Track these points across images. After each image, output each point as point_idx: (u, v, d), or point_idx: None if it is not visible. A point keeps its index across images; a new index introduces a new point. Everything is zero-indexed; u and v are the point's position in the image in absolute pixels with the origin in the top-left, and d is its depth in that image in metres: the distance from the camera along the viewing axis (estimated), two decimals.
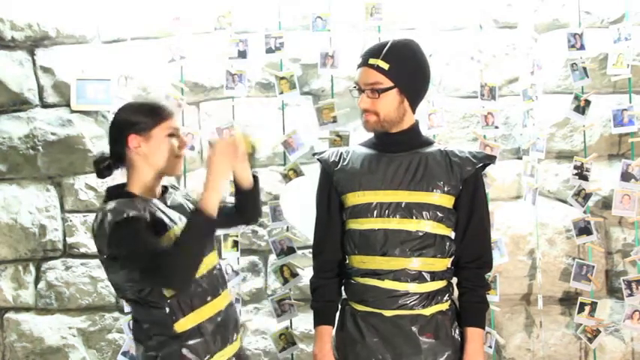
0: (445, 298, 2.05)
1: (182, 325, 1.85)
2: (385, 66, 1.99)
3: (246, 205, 2.09)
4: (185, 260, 1.73)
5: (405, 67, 2.02)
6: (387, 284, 2.00)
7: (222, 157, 1.79)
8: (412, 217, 2.00)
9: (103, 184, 3.13)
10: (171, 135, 1.93)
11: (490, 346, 2.81)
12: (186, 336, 1.85)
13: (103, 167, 1.96)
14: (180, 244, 1.73)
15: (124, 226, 1.77)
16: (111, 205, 1.83)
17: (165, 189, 2.04)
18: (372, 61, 2.02)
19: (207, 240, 1.84)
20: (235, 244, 2.90)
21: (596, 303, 2.83)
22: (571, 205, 2.89)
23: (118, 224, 1.76)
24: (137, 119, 1.90)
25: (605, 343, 2.92)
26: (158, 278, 1.74)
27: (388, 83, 2.00)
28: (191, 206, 1.98)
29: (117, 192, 1.93)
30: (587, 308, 2.82)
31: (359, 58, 2.07)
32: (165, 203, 1.97)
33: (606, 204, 2.93)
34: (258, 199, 2.14)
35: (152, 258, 1.70)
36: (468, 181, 2.05)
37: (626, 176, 2.78)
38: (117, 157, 1.95)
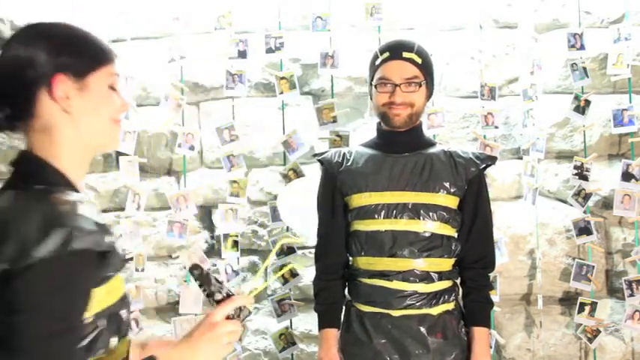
0: (452, 298, 2.05)
1: None
2: (419, 60, 2.03)
3: None
4: None
5: (430, 64, 2.09)
6: (395, 285, 2.00)
7: (220, 346, 1.22)
8: (419, 218, 2.00)
9: (104, 184, 3.13)
10: (112, 88, 1.23)
11: (490, 346, 2.81)
12: None
13: None
14: None
15: (59, 270, 1.03)
16: (63, 209, 1.08)
17: None
18: (406, 54, 2.03)
19: None
20: (235, 244, 2.90)
21: (596, 303, 2.82)
22: (571, 205, 2.89)
23: (56, 260, 1.02)
24: (79, 51, 1.19)
25: (605, 343, 2.92)
26: None
27: (422, 77, 2.03)
28: None
29: (37, 170, 1.15)
30: (587, 308, 2.82)
31: (380, 53, 2.06)
32: None
33: (606, 204, 2.92)
34: None
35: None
36: (472, 181, 2.06)
37: (626, 176, 2.78)
38: (18, 110, 1.16)
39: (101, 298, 1.13)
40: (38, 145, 1.17)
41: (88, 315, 1.10)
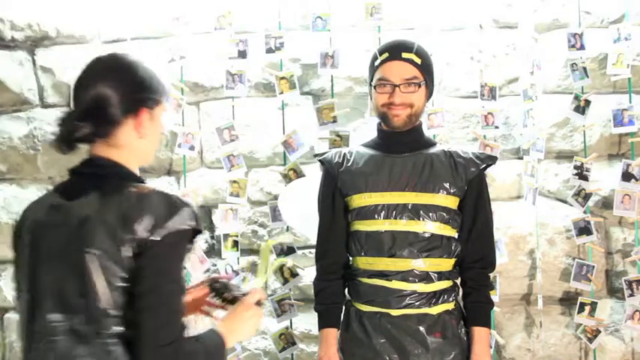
0: (451, 298, 2.06)
1: None
2: (419, 60, 2.03)
3: None
4: None
5: (430, 64, 2.09)
6: (395, 284, 2.01)
7: (255, 322, 1.54)
8: (419, 219, 2.00)
9: None
10: (163, 117, 1.54)
11: (490, 346, 2.81)
12: None
13: (76, 137, 1.40)
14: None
15: (180, 240, 1.34)
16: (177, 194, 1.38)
17: None
18: (406, 55, 2.02)
19: None
20: (235, 244, 2.90)
21: (596, 303, 2.82)
22: (571, 205, 2.89)
23: (181, 234, 1.33)
24: (154, 90, 1.46)
25: (605, 343, 2.92)
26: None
27: (421, 77, 2.02)
28: None
29: (128, 172, 1.43)
30: (587, 308, 2.82)
31: (379, 53, 2.06)
32: None
33: (606, 204, 2.92)
34: None
35: (168, 327, 1.29)
36: (472, 182, 2.06)
37: (626, 176, 2.78)
38: (101, 130, 1.41)
39: None
40: (108, 155, 1.42)
41: None
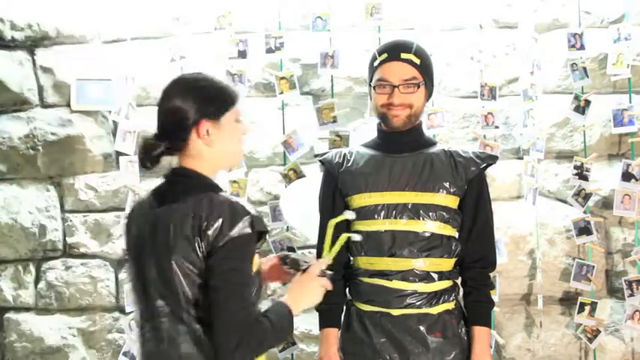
0: (452, 298, 2.05)
1: None
2: (418, 61, 2.02)
3: None
4: (259, 347, 1.58)
5: (429, 64, 2.08)
6: (395, 284, 2.00)
7: (319, 290, 1.77)
8: (419, 219, 2.00)
9: (104, 184, 3.14)
10: (237, 121, 1.72)
11: (490, 346, 2.81)
12: None
13: (154, 154, 1.65)
14: (271, 332, 1.59)
15: (244, 243, 1.57)
16: (237, 201, 1.61)
17: None
18: (405, 55, 2.02)
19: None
20: None
21: (596, 303, 2.83)
22: (571, 205, 2.89)
23: (241, 239, 1.55)
24: (214, 101, 1.66)
25: (605, 343, 2.92)
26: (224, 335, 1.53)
27: (421, 78, 2.02)
28: None
29: (204, 182, 1.67)
30: (587, 308, 2.82)
31: (378, 54, 2.06)
32: None
33: (606, 204, 2.92)
34: None
35: (241, 315, 1.54)
36: (472, 181, 2.06)
37: (626, 176, 2.78)
38: (176, 144, 1.66)
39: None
40: (189, 165, 1.65)
41: None
